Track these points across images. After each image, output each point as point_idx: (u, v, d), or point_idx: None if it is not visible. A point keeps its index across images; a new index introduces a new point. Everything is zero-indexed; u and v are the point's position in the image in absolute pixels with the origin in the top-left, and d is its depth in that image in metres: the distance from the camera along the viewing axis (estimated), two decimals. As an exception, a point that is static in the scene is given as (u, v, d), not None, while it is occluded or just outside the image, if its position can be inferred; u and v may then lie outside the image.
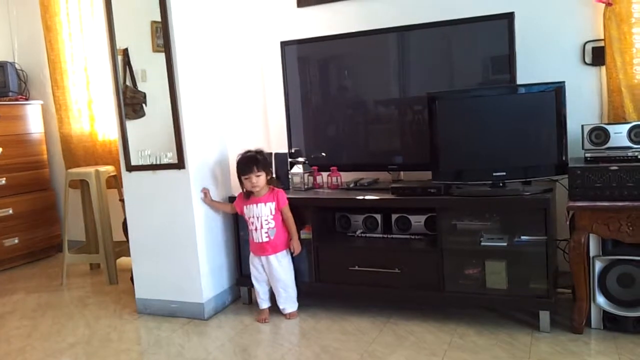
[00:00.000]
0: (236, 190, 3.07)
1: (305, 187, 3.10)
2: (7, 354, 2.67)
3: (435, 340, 2.49)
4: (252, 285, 2.95)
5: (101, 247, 3.68)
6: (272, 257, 2.83)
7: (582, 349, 2.31)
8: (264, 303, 2.90)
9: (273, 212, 2.82)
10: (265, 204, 2.82)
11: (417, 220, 2.86)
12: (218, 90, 3.09)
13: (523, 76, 2.75)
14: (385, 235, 2.91)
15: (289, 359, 2.42)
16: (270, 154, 3.19)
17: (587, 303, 2.43)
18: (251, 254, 2.92)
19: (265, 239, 2.81)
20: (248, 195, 2.85)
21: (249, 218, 2.85)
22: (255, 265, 2.90)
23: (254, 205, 2.83)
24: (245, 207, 2.87)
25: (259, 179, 2.79)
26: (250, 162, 2.81)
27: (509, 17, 2.73)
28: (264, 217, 2.81)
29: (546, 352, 2.30)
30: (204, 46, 2.98)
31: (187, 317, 2.95)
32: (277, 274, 2.83)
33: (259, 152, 2.86)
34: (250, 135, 3.55)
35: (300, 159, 3.14)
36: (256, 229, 2.82)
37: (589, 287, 2.43)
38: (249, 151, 2.86)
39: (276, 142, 3.49)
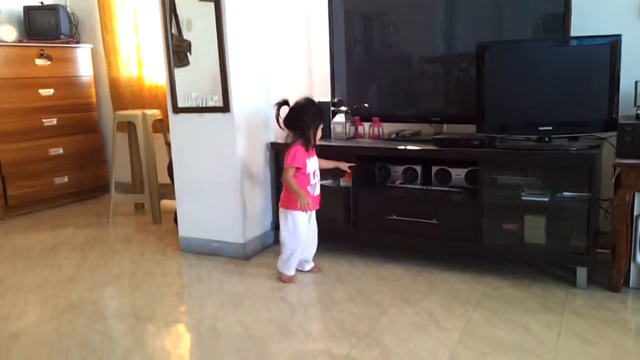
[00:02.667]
0: (279, 136, 3.11)
1: (347, 136, 3.12)
2: (59, 280, 2.83)
3: (469, 290, 2.52)
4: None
5: (146, 188, 3.81)
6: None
7: (619, 306, 2.30)
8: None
9: None
10: (315, 157, 2.73)
11: (458, 174, 2.86)
12: (264, 37, 3.10)
13: (577, 29, 2.67)
14: (425, 187, 2.92)
15: (324, 299, 2.49)
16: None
17: (626, 262, 2.41)
18: (302, 214, 2.66)
19: (318, 192, 2.75)
20: (307, 148, 2.65)
21: (312, 172, 2.66)
22: (305, 224, 2.71)
23: (313, 157, 2.70)
24: (307, 160, 2.64)
25: None
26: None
27: (565, -33, 2.63)
28: (317, 169, 2.73)
29: (581, 307, 2.30)
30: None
31: (228, 256, 3.05)
32: (315, 225, 2.80)
33: None
34: (294, 83, 3.57)
35: (343, 108, 3.15)
36: (316, 183, 2.70)
37: (630, 246, 2.41)
38: (309, 99, 2.71)
39: (319, 90, 3.49)
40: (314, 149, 2.71)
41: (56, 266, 3.05)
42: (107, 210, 3.96)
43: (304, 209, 2.60)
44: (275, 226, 3.20)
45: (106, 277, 2.87)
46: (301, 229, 2.68)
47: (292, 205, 2.64)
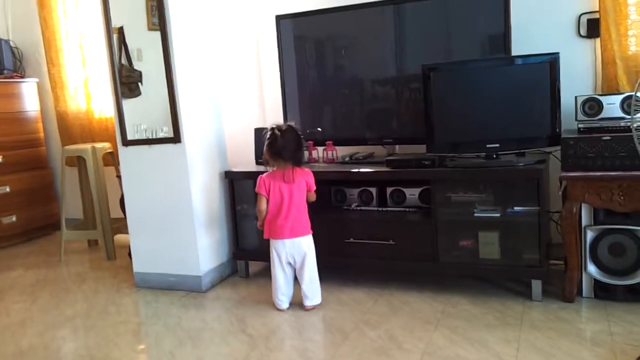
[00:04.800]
0: (233, 164, 3.09)
1: (301, 161, 3.12)
2: (7, 326, 2.70)
3: (429, 309, 2.53)
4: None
5: (99, 223, 3.70)
6: None
7: (573, 316, 2.35)
8: None
9: None
10: None
11: (412, 193, 2.88)
12: (213, 65, 3.09)
13: (518, 49, 2.75)
14: (381, 208, 2.93)
15: (285, 329, 2.45)
16: (266, 128, 3.21)
17: (578, 272, 2.47)
18: None
19: None
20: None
21: None
22: None
23: None
24: None
25: None
26: None
27: (503, -11, 2.72)
28: None
29: (538, 320, 2.33)
30: (199, 21, 2.97)
31: (185, 290, 2.98)
32: None
33: None
34: (245, 110, 3.57)
35: (296, 134, 3.14)
36: None
37: (581, 256, 2.47)
38: (289, 125, 2.66)
39: (271, 116, 3.49)
40: None
41: (3, 311, 2.92)
42: (59, 249, 3.83)
43: None
44: (234, 255, 3.16)
45: (58, 320, 2.75)
46: None
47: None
